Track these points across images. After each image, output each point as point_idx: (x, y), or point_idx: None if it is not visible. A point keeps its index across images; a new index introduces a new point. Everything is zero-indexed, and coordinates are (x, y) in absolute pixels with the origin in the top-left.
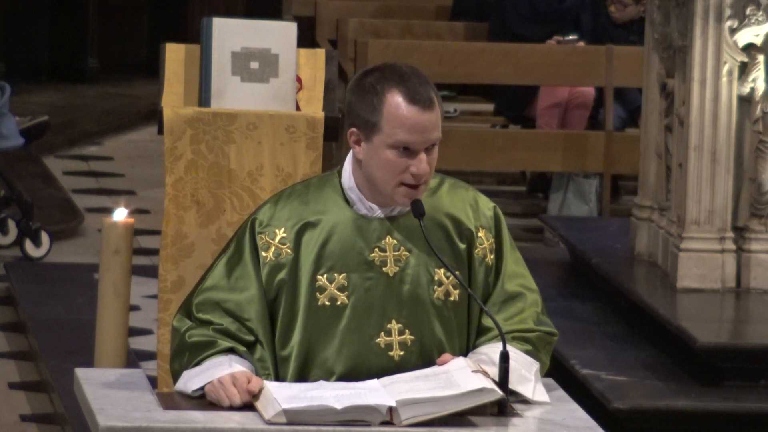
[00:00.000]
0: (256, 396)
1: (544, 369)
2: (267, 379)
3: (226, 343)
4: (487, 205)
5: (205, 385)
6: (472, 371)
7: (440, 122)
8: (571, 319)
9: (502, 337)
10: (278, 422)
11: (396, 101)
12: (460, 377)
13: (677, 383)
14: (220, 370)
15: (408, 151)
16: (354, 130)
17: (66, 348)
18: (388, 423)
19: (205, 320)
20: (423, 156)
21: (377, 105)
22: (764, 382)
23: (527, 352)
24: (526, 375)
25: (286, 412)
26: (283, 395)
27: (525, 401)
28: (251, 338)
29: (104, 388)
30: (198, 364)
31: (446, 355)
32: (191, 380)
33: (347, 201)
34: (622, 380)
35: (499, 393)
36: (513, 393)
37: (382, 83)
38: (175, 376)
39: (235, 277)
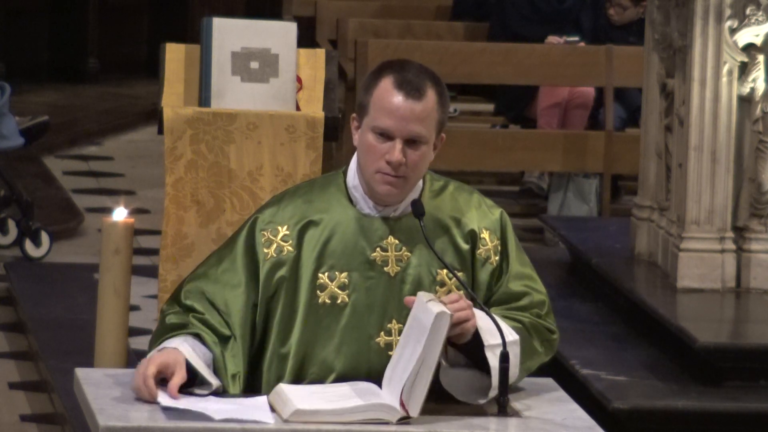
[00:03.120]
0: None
1: (535, 356)
2: (236, 376)
3: (195, 330)
4: (492, 209)
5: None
6: (428, 301)
7: (430, 120)
8: (571, 319)
9: (502, 336)
10: (295, 421)
11: (385, 85)
12: (424, 316)
13: (677, 383)
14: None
15: (387, 138)
16: (354, 115)
17: (66, 348)
18: (406, 419)
19: (188, 306)
20: (398, 144)
21: (371, 87)
22: (764, 382)
23: (517, 330)
24: (496, 335)
25: (301, 412)
26: (298, 396)
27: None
28: (228, 332)
29: (104, 388)
30: (160, 344)
31: (408, 298)
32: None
33: (351, 200)
34: (622, 380)
35: (446, 311)
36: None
37: (383, 69)
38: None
39: (223, 269)
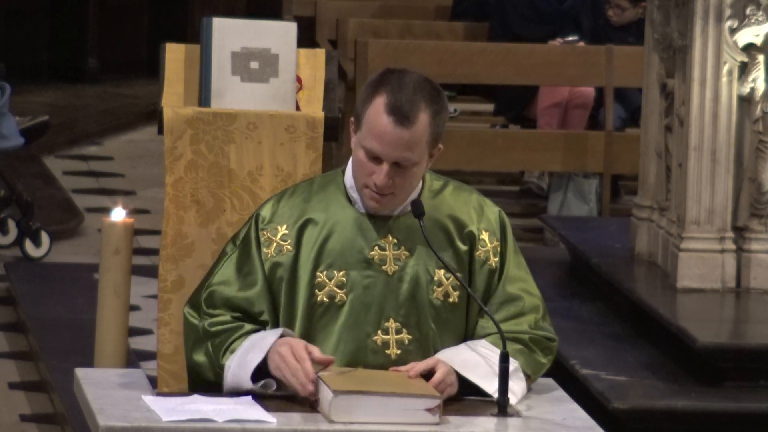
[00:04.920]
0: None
1: (541, 369)
2: None
3: (250, 326)
4: (491, 209)
5: (266, 362)
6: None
7: (420, 145)
8: (571, 319)
9: (502, 336)
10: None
11: (378, 106)
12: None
13: (677, 383)
14: (268, 340)
15: (376, 158)
16: (352, 119)
17: (66, 348)
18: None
19: (217, 314)
20: (384, 168)
21: (367, 102)
22: (764, 382)
23: (517, 351)
24: (493, 373)
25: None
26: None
27: (486, 395)
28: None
29: (104, 388)
30: (228, 348)
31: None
32: (243, 367)
33: (349, 199)
34: (622, 380)
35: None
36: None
37: (382, 84)
38: (198, 368)
39: (244, 274)
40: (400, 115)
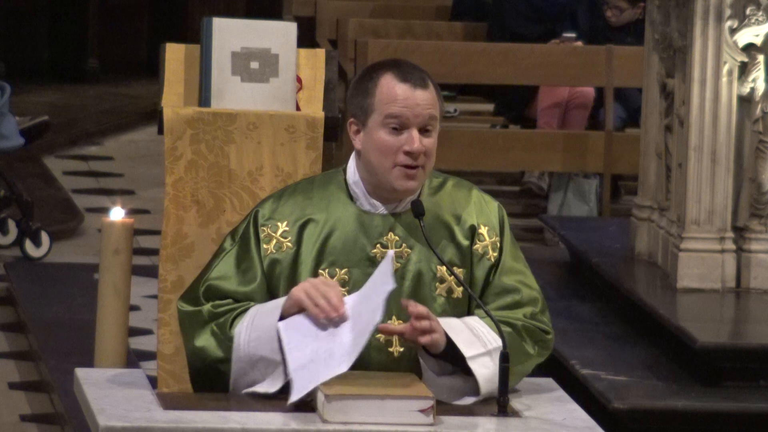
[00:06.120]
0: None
1: (527, 358)
2: None
3: (255, 304)
4: (491, 204)
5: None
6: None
7: (437, 106)
8: (571, 319)
9: (501, 335)
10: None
11: (388, 81)
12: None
13: (677, 383)
14: (273, 305)
15: (400, 130)
16: (352, 120)
17: (66, 348)
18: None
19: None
20: (415, 133)
21: (371, 88)
22: (764, 382)
23: (507, 334)
24: (477, 343)
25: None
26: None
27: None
28: None
29: (104, 388)
30: (234, 322)
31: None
32: (262, 315)
33: (351, 197)
34: (622, 380)
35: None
36: (454, 350)
37: (377, 70)
38: (201, 353)
39: (243, 269)
40: (415, 78)
